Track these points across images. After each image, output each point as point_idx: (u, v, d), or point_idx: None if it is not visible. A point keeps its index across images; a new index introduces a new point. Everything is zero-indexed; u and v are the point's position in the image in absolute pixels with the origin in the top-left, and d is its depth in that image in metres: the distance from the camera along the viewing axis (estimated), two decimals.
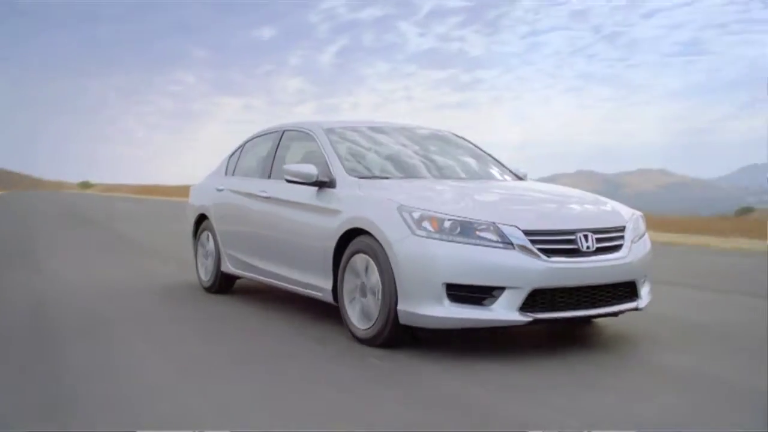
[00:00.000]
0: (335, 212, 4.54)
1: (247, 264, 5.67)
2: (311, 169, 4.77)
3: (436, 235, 3.90)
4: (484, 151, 5.76)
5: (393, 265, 3.99)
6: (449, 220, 3.93)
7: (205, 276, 6.33)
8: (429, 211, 4.00)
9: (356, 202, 4.44)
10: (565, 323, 4.61)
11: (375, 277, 4.14)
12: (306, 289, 4.88)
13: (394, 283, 3.99)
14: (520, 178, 5.44)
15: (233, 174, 6.25)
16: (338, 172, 4.75)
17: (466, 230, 3.90)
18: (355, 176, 4.70)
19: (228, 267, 5.98)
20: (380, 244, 4.10)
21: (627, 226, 4.29)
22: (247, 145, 6.32)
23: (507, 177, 5.41)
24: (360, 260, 4.27)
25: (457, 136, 5.90)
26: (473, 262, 3.83)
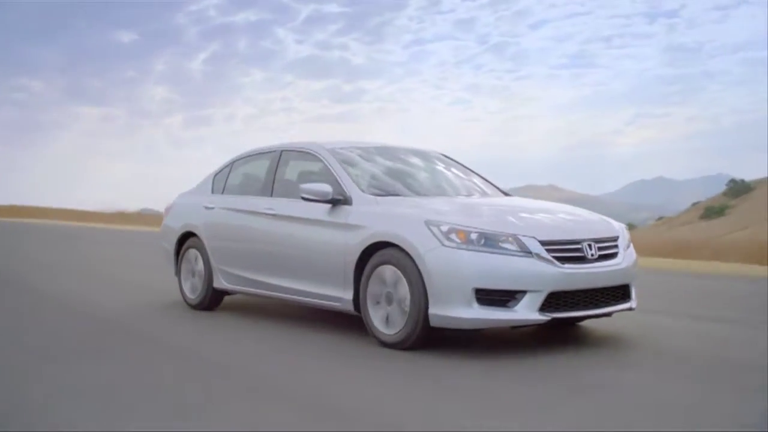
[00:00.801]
0: (355, 227, 5.20)
1: (246, 279, 6.19)
2: (326, 188, 5.41)
3: (464, 246, 4.66)
4: (472, 170, 6.59)
5: (423, 274, 4.70)
6: (475, 232, 4.70)
7: (193, 293, 6.77)
8: (456, 224, 4.75)
9: (379, 217, 5.12)
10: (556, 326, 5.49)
11: (402, 286, 4.82)
12: (322, 300, 5.49)
13: (424, 290, 4.69)
14: (507, 194, 6.30)
15: (222, 192, 6.76)
16: (353, 190, 5.41)
17: (490, 241, 4.67)
18: (370, 194, 5.40)
19: (222, 283, 6.47)
20: (408, 255, 4.79)
21: (619, 235, 5.22)
22: (235, 164, 6.85)
23: (498, 193, 6.25)
24: (385, 271, 4.95)
25: (445, 156, 6.70)
26: (499, 269, 4.61)
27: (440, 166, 6.45)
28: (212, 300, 6.67)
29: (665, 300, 7.09)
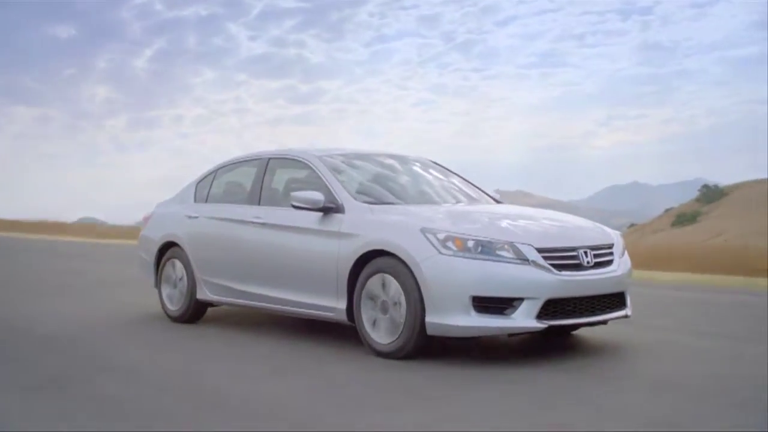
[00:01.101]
0: (349, 236, 5.28)
1: (233, 290, 6.22)
2: (318, 196, 5.48)
3: (461, 254, 4.78)
4: (461, 176, 6.70)
5: (420, 282, 4.80)
6: (472, 240, 4.82)
7: (174, 305, 6.76)
8: (452, 232, 4.87)
9: (373, 225, 5.21)
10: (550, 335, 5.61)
11: (398, 294, 4.92)
12: (314, 310, 5.56)
13: (421, 298, 4.79)
14: (498, 201, 6.42)
15: (206, 201, 6.78)
16: (345, 198, 5.49)
17: (486, 249, 4.79)
18: (362, 202, 5.49)
19: (206, 294, 6.48)
20: (404, 264, 4.89)
21: (614, 242, 5.37)
22: (219, 172, 6.89)
23: (489, 200, 6.37)
24: (380, 279, 5.04)
25: (434, 162, 6.81)
26: (496, 276, 4.73)
27: (430, 173, 6.56)
28: (195, 312, 6.68)
29: (651, 311, 7.25)
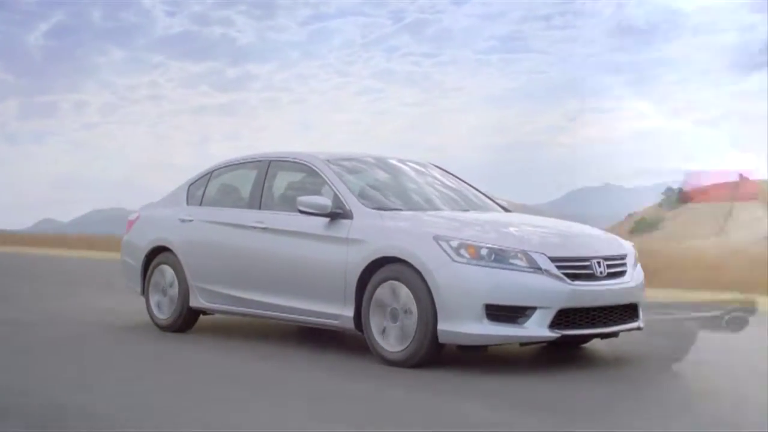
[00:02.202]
0: (357, 242, 5.49)
1: (230, 297, 6.36)
2: (326, 201, 5.69)
3: (474, 262, 5.03)
4: (468, 183, 6.93)
5: (433, 289, 5.04)
6: (486, 248, 5.07)
7: (163, 314, 6.84)
8: (466, 239, 5.12)
9: (383, 232, 5.43)
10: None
11: (409, 302, 5.15)
12: (318, 318, 5.75)
13: (433, 306, 5.03)
14: (506, 209, 6.62)
15: (201, 204, 6.90)
16: (353, 203, 5.70)
17: (500, 257, 5.06)
18: (370, 208, 5.69)
19: (200, 302, 6.59)
20: (416, 271, 5.13)
21: (627, 253, 5.63)
22: (214, 174, 7.01)
23: (497, 207, 6.58)
24: (390, 286, 5.27)
25: (437, 167, 7.04)
26: (509, 285, 5.01)
27: (435, 179, 6.78)
28: (186, 320, 6.77)
29: None
